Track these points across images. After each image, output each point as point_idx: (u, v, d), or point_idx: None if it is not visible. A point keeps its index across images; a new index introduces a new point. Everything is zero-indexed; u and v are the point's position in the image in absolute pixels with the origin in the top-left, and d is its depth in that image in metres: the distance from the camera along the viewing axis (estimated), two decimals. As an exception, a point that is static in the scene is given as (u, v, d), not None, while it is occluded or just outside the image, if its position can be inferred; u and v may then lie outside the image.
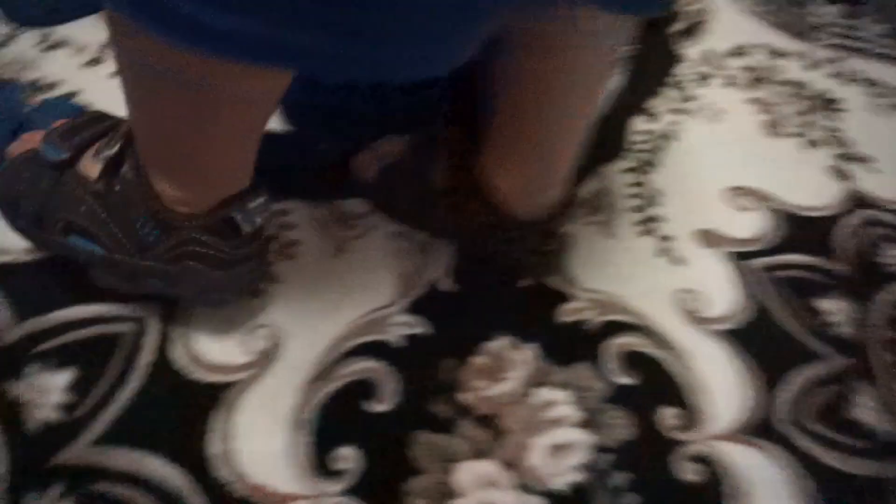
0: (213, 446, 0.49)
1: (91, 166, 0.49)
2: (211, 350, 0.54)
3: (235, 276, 0.52)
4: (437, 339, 0.57)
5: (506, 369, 0.55)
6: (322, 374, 0.53)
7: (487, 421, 0.52)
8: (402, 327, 0.57)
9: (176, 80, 0.39)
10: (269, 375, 0.53)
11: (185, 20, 0.32)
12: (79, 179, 0.50)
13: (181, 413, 0.51)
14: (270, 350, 0.54)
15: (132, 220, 0.49)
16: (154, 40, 0.34)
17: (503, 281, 0.61)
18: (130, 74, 0.42)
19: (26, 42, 0.73)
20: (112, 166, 0.49)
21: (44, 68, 0.71)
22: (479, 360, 0.55)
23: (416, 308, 0.58)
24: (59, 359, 0.52)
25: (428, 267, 0.61)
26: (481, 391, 0.54)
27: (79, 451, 0.48)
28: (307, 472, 0.49)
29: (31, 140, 0.55)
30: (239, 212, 0.48)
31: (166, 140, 0.45)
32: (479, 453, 0.50)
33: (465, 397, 0.53)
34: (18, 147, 0.55)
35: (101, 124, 0.51)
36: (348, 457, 0.49)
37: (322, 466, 0.49)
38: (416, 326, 0.57)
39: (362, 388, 0.53)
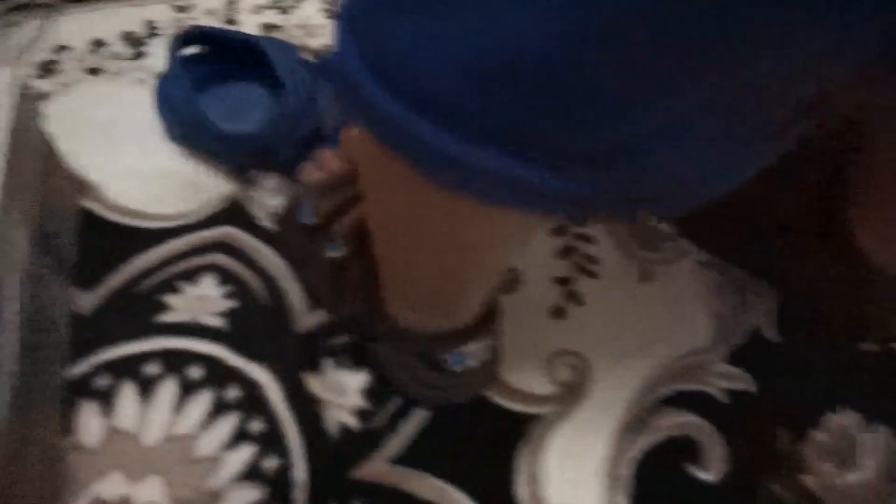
0: (520, 489, 0.44)
1: (332, 248, 0.43)
2: (513, 372, 0.48)
3: (439, 398, 0.46)
4: (765, 400, 0.48)
5: (856, 454, 0.46)
6: (636, 421, 0.47)
7: (838, 516, 0.43)
8: (723, 379, 0.49)
9: (424, 214, 0.31)
10: (577, 414, 0.47)
11: (451, 158, 0.24)
12: (320, 251, 0.44)
13: (483, 442, 0.46)
14: (576, 384, 0.48)
15: (352, 307, 0.44)
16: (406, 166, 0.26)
17: (839, 339, 0.51)
18: (376, 200, 0.35)
19: (311, 7, 0.69)
20: (348, 259, 0.42)
21: (328, 36, 0.68)
22: (820, 437, 0.47)
23: (736, 358, 0.50)
24: (354, 358, 0.49)
25: (747, 309, 0.53)
26: (828, 477, 0.45)
27: (378, 468, 0.44)
28: (629, 542, 0.42)
29: (324, 163, 0.49)
30: (451, 354, 0.41)
31: (399, 263, 0.38)
32: (833, 557, 0.42)
33: (808, 481, 0.45)
34: (310, 173, 0.50)
35: (352, 188, 0.44)
36: (675, 531, 0.43)
37: (644, 536, 0.42)
38: (739, 380, 0.49)
39: (683, 448, 0.46)
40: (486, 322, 0.40)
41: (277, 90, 0.54)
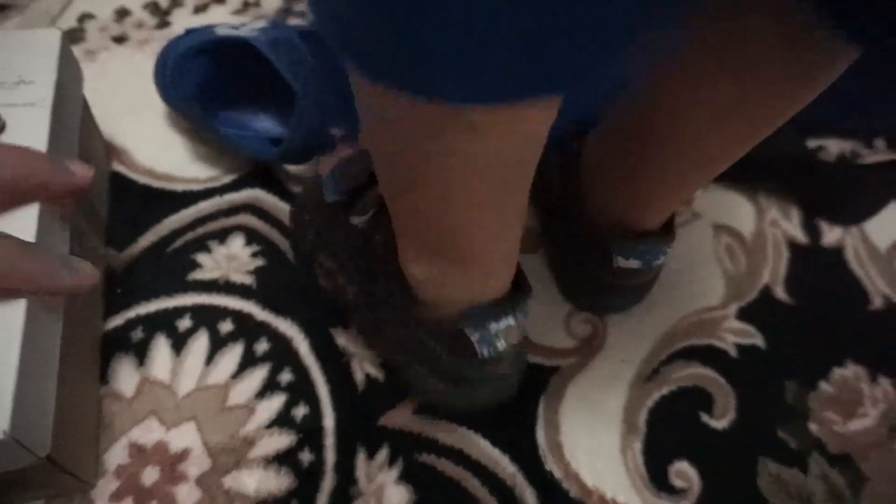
0: (540, 435, 0.46)
1: (357, 217, 0.43)
2: (534, 328, 0.50)
3: (464, 395, 0.43)
4: (774, 355, 0.50)
5: (858, 404, 0.48)
6: (652, 373, 0.49)
7: (843, 461, 0.46)
8: (735, 335, 0.51)
9: (419, 142, 0.30)
10: (595, 367, 0.49)
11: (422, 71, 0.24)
12: (345, 226, 0.44)
13: (504, 392, 0.48)
14: (595, 338, 0.50)
15: (375, 288, 0.43)
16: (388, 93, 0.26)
17: (848, 299, 0.53)
18: (375, 140, 0.33)
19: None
20: (371, 226, 0.42)
21: None
22: (826, 388, 0.49)
23: (746, 315, 0.52)
24: (378, 313, 0.50)
25: (759, 270, 0.54)
26: (831, 425, 0.47)
27: (404, 417, 0.46)
28: (645, 484, 0.44)
29: (340, 151, 0.50)
30: (477, 330, 0.38)
31: (414, 210, 0.35)
32: (837, 499, 0.44)
33: (813, 428, 0.47)
34: (329, 161, 0.49)
35: (370, 164, 0.43)
36: (687, 474, 0.45)
37: (659, 479, 0.45)
38: (749, 336, 0.51)
39: (695, 398, 0.48)
40: (516, 295, 0.38)
41: (285, 105, 0.54)
